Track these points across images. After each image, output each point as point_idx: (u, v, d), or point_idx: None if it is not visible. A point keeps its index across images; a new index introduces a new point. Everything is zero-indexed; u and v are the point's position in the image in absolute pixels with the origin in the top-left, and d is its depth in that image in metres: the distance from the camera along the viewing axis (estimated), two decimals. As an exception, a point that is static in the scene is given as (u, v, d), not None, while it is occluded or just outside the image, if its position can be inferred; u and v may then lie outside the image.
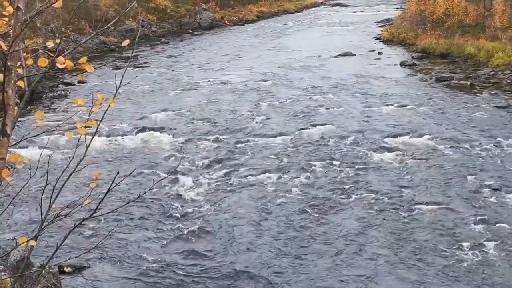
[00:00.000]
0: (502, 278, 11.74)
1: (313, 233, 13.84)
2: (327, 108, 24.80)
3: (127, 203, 4.24)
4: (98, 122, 4.31)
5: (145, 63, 37.26)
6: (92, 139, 4.31)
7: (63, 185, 3.95)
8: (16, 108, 4.00)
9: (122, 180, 4.00)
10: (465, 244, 13.06)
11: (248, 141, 20.71)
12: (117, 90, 4.41)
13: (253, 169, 18.01)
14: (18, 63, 4.09)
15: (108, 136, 21.43)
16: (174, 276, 11.99)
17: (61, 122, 23.28)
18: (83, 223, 3.86)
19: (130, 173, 5.09)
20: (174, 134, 21.74)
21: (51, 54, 4.05)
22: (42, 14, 38.44)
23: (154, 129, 22.23)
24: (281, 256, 12.76)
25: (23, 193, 14.55)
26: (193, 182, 17.08)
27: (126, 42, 4.52)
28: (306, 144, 20.24)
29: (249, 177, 17.38)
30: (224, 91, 28.84)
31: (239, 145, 20.25)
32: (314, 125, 22.32)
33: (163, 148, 20.41)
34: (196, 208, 15.39)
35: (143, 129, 22.20)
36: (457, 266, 12.22)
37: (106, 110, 4.28)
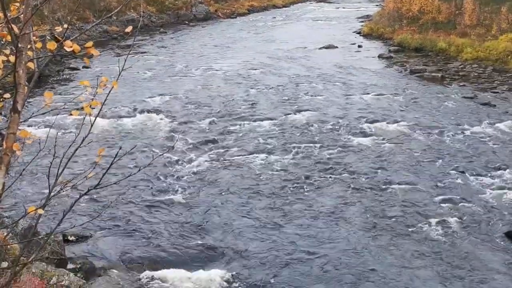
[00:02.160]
0: (464, 250, 11.89)
1: (295, 207, 13.91)
2: (311, 96, 24.80)
3: (128, 176, 4.23)
4: (102, 102, 4.28)
5: (145, 51, 36.94)
6: (96, 117, 4.28)
7: (69, 159, 3.93)
8: (26, 87, 3.97)
9: (124, 155, 3.98)
10: (432, 220, 13.19)
11: (238, 124, 20.69)
12: (120, 73, 4.38)
13: (242, 149, 18.02)
14: (28, 46, 4.05)
15: (110, 118, 21.31)
16: (169, 244, 12.01)
17: (67, 103, 23.13)
18: (88, 193, 3.84)
19: (131, 149, 5.04)
20: (170, 116, 21.65)
21: (59, 39, 4.00)
22: (50, 2, 37.96)
23: (152, 112, 22.13)
24: (266, 228, 12.82)
25: (32, 166, 14.49)
26: (188, 160, 17.06)
27: (129, 29, 4.50)
28: (291, 128, 20.25)
29: (239, 157, 17.39)
30: (217, 78, 28.71)
31: (230, 128, 20.22)
32: (299, 111, 22.33)
33: (161, 129, 20.33)
34: (190, 184, 15.39)
35: (142, 112, 22.10)
36: (425, 240, 12.35)
37: (110, 91, 4.25)
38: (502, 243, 12.24)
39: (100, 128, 19.90)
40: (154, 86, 26.70)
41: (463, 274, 11.02)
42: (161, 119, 21.43)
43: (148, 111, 22.16)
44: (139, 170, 4.15)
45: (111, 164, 3.69)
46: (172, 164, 16.76)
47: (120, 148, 4.26)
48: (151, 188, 15.05)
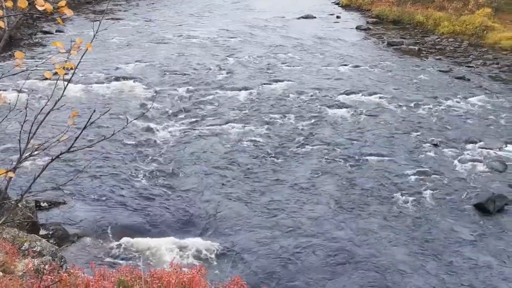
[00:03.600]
0: (435, 221, 12.12)
1: (271, 176, 13.95)
2: (289, 66, 24.69)
3: (101, 140, 4.15)
4: (76, 64, 4.16)
5: (120, 17, 36.15)
6: (69, 80, 4.17)
7: (42, 121, 3.83)
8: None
9: (98, 118, 3.90)
10: (405, 192, 13.38)
11: (215, 93, 20.53)
12: (94, 36, 4.25)
13: (218, 118, 17.92)
14: (-1, 4, 3.88)
15: (85, 84, 20.93)
16: (143, 211, 11.97)
17: (39, 65, 22.64)
18: (60, 157, 3.75)
19: (106, 112, 4.93)
20: (146, 84, 21.36)
21: (31, -2, 3.85)
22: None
23: (128, 79, 21.78)
24: (240, 197, 12.85)
25: (2, 129, 14.21)
26: (163, 128, 16.92)
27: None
28: (268, 98, 20.18)
29: (214, 126, 17.30)
30: (194, 46, 28.34)
31: (206, 97, 20.06)
32: (276, 81, 22.23)
33: (136, 96, 20.06)
34: (164, 151, 15.30)
35: (117, 79, 21.72)
36: (398, 210, 12.54)
37: (84, 53, 4.12)
38: (471, 214, 12.51)
39: (74, 94, 19.56)
40: (130, 53, 26.25)
41: (434, 243, 11.25)
42: (136, 86, 21.12)
43: (124, 78, 21.80)
44: (113, 135, 4.07)
45: (84, 127, 3.60)
46: (147, 131, 16.60)
47: (94, 111, 4.16)
48: (126, 154, 14.92)
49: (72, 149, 3.57)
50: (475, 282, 10.03)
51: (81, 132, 3.62)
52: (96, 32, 4.23)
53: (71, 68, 4.12)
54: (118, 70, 23.03)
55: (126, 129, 16.41)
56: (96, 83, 21.18)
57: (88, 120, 3.48)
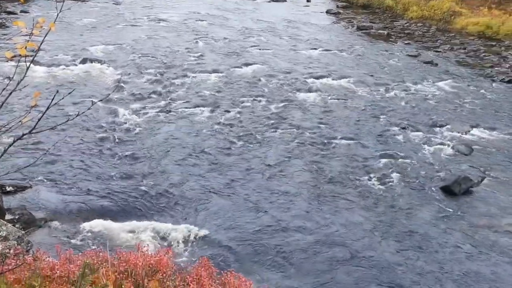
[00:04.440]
0: (402, 203, 12.33)
1: (240, 160, 13.97)
2: (259, 49, 24.65)
3: (66, 121, 4.07)
4: (39, 44, 4.07)
5: (87, -3, 35.50)
6: (32, 60, 4.08)
7: (2, 103, 3.75)
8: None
9: (61, 99, 3.83)
10: (373, 175, 13.56)
11: (184, 76, 20.38)
12: (57, 15, 4.17)
13: (187, 102, 17.81)
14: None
15: (50, 65, 20.53)
16: (111, 195, 11.86)
17: (0, 45, 22.11)
18: (23, 139, 3.69)
19: (69, 93, 4.83)
20: (114, 66, 21.06)
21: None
22: None
23: (95, 61, 21.41)
24: (209, 181, 12.84)
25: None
26: (131, 111, 16.73)
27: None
28: (238, 82, 20.13)
29: (184, 109, 17.19)
30: (163, 29, 28.04)
31: (176, 80, 19.90)
32: (246, 64, 22.18)
33: (103, 79, 19.76)
34: (132, 134, 15.15)
35: (84, 61, 21.34)
36: (366, 193, 12.71)
37: (47, 33, 4.04)
38: (437, 196, 12.76)
39: (38, 76, 19.19)
40: (98, 35, 25.82)
41: (400, 225, 11.45)
42: (104, 68, 20.80)
43: (91, 60, 21.43)
44: (77, 116, 4.01)
45: (47, 108, 3.54)
46: (115, 114, 16.40)
47: (57, 91, 4.08)
48: (92, 138, 14.73)
49: (34, 131, 3.51)
50: (441, 261, 10.27)
51: (44, 113, 3.55)
52: (60, 11, 4.15)
53: (34, 50, 4.03)
54: (85, 52, 22.64)
55: (94, 112, 16.19)
56: (62, 65, 20.77)
57: (51, 101, 3.42)
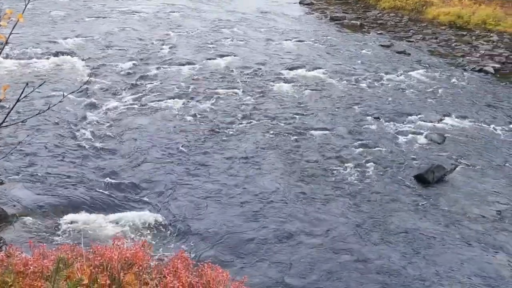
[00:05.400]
0: (376, 192, 12.48)
1: (214, 151, 13.95)
2: (232, 41, 24.57)
3: (36, 114, 4.02)
4: (7, 36, 4.00)
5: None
6: (0, 52, 4.01)
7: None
8: None
9: (31, 92, 3.78)
10: (347, 164, 13.69)
11: (157, 68, 20.22)
12: (26, 6, 4.10)
13: (161, 94, 17.69)
14: None
15: (19, 58, 20.15)
16: (84, 189, 11.75)
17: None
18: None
19: (40, 85, 4.75)
20: (86, 59, 20.77)
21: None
22: None
23: (66, 54, 21.09)
24: (184, 172, 12.81)
25: None
26: (103, 104, 16.55)
27: (34, -43, 4.17)
28: (212, 73, 20.05)
29: (157, 102, 17.07)
30: (136, 21, 27.74)
31: (149, 72, 19.73)
32: (220, 56, 22.10)
33: (75, 71, 19.48)
34: (105, 126, 15.00)
35: (55, 53, 21.00)
36: (340, 183, 12.83)
37: (15, 25, 3.97)
38: (411, 185, 12.95)
39: (7, 69, 18.84)
40: (68, 27, 25.41)
41: (375, 214, 11.60)
42: (75, 61, 20.49)
43: (62, 53, 21.10)
44: (48, 109, 3.96)
45: (17, 101, 3.49)
46: (86, 107, 16.21)
47: (27, 84, 4.02)
48: (64, 131, 14.53)
49: (3, 124, 3.45)
50: (416, 248, 10.44)
51: (14, 106, 3.50)
52: (28, 2, 4.08)
53: (2, 43, 3.96)
54: (56, 45, 22.28)
55: (65, 105, 15.96)
56: (32, 58, 20.41)
57: (21, 94, 3.37)
